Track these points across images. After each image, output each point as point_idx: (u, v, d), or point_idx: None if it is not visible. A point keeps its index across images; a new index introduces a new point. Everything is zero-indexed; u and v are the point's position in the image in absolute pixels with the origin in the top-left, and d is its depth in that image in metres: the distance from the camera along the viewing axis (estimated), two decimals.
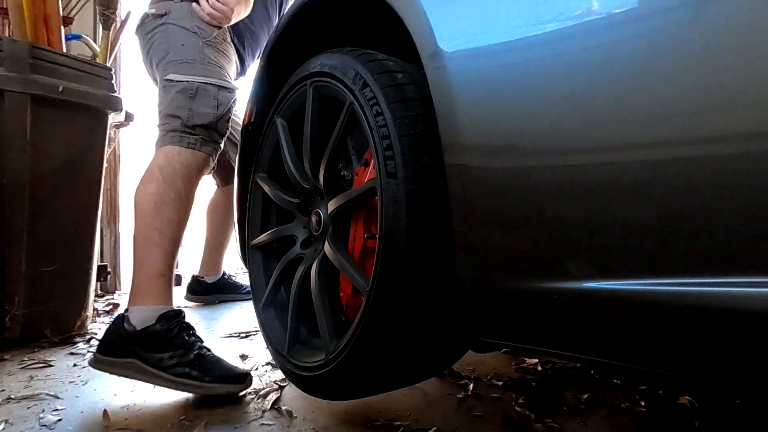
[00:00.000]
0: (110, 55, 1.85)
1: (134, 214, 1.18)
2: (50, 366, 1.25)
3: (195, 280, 2.13)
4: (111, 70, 1.61)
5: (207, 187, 1.89)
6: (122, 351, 1.06)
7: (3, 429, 0.91)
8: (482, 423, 0.95)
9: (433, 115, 0.71)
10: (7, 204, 1.35)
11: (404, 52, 0.85)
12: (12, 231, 1.36)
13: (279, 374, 1.19)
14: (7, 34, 1.84)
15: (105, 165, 1.61)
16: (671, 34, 0.48)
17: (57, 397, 1.05)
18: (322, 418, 0.95)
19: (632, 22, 0.51)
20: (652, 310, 0.50)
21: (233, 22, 1.42)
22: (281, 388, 1.10)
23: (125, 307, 1.15)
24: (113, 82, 1.59)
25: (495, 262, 0.66)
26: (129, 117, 1.75)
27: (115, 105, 1.56)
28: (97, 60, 1.79)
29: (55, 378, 1.17)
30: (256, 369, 1.25)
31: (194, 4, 1.36)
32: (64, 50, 1.57)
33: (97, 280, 1.78)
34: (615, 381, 1.19)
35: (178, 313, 1.13)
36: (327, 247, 0.90)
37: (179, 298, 1.85)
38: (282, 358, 0.98)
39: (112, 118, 1.60)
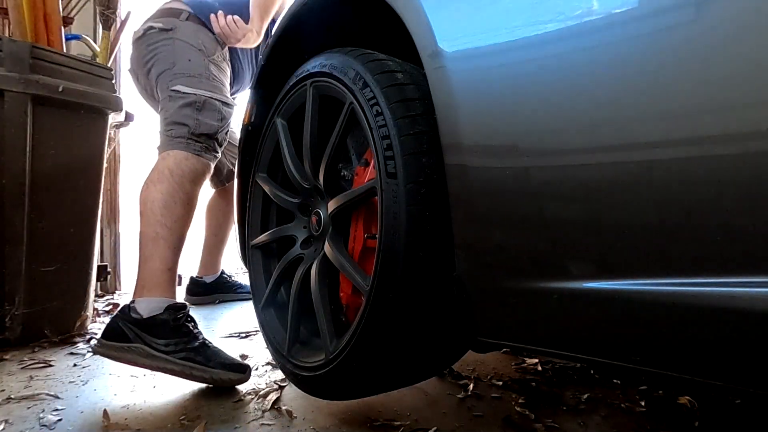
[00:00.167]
0: (110, 55, 1.85)
1: (142, 212, 1.24)
2: (50, 366, 1.25)
3: (193, 281, 2.14)
4: (111, 70, 1.61)
5: (206, 189, 1.92)
6: (128, 337, 1.10)
7: (3, 429, 0.91)
8: (482, 423, 0.95)
9: (433, 115, 0.71)
10: (7, 204, 1.35)
11: (404, 52, 0.85)
12: (12, 231, 1.36)
13: (279, 374, 1.19)
14: (7, 34, 1.84)
15: (105, 165, 1.61)
16: (671, 34, 0.48)
17: (57, 397, 1.05)
18: (322, 418, 0.95)
19: (632, 22, 0.51)
20: (652, 310, 0.50)
21: (238, 45, 1.55)
22: (281, 388, 1.10)
23: (129, 299, 1.18)
24: (113, 82, 1.59)
25: (495, 262, 0.66)
26: (129, 117, 1.75)
27: (115, 105, 1.56)
28: (97, 60, 1.79)
29: (55, 378, 1.17)
30: (256, 369, 1.25)
31: (212, 15, 1.48)
32: (64, 50, 1.57)
33: (97, 280, 1.78)
34: (615, 381, 1.19)
35: (184, 306, 1.18)
36: (327, 247, 0.90)
37: (179, 299, 1.84)
38: (282, 358, 0.98)
39: (112, 118, 1.60)
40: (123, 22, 1.98)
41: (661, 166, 0.48)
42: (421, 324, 0.76)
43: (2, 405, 1.01)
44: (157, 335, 1.10)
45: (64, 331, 1.48)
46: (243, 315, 1.92)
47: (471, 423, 0.95)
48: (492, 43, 0.64)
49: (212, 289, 2.15)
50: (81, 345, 1.43)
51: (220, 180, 2.05)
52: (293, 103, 1.05)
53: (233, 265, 2.75)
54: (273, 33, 1.17)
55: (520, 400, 1.05)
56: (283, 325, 1.04)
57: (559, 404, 1.05)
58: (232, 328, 1.68)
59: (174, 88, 1.36)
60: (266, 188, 1.14)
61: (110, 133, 1.65)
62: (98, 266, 1.72)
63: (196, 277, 2.15)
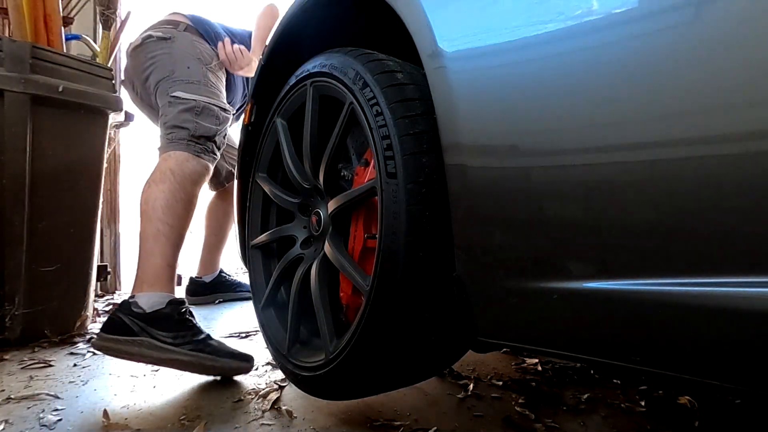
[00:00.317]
0: (110, 55, 1.85)
1: (144, 210, 1.27)
2: (50, 366, 1.25)
3: (193, 281, 2.15)
4: (111, 70, 1.62)
5: (205, 191, 1.94)
6: (133, 330, 1.10)
7: (3, 429, 0.91)
8: (482, 423, 0.95)
9: (433, 115, 0.71)
10: (7, 204, 1.34)
11: (404, 52, 0.85)
12: (12, 231, 1.36)
13: (279, 374, 1.19)
14: (7, 34, 1.84)
15: (105, 165, 1.61)
16: (671, 34, 0.48)
17: (57, 397, 1.05)
18: (322, 418, 0.95)
19: (632, 22, 0.51)
20: (652, 310, 0.50)
21: (240, 73, 1.70)
22: (281, 388, 1.10)
23: (128, 295, 1.21)
24: (113, 82, 1.59)
25: (495, 261, 0.66)
26: (129, 117, 1.75)
27: (115, 105, 1.56)
28: (97, 60, 1.78)
29: (55, 378, 1.17)
30: (256, 369, 1.25)
31: (219, 42, 1.61)
32: (64, 50, 1.57)
33: (97, 280, 1.78)
34: (615, 381, 1.19)
35: (184, 302, 1.22)
36: (327, 247, 0.90)
37: None
38: (282, 358, 0.98)
39: (112, 118, 1.60)
40: (123, 22, 1.97)
41: (661, 166, 0.48)
42: (421, 324, 0.76)
43: (2, 405, 1.01)
44: (163, 328, 1.11)
45: (64, 331, 1.48)
46: (243, 315, 1.92)
47: (471, 423, 0.95)
48: (492, 43, 0.64)
49: (212, 289, 2.16)
50: (81, 345, 1.43)
51: (220, 181, 2.07)
52: (293, 103, 1.05)
53: (233, 265, 2.75)
54: (273, 33, 1.17)
55: (520, 400, 1.05)
56: (283, 325, 1.04)
57: (559, 404, 1.05)
58: (232, 328, 1.68)
59: (173, 94, 1.42)
60: (266, 188, 1.14)
61: (110, 133, 1.65)
62: (98, 266, 1.72)
63: (196, 277, 2.16)
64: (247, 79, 1.85)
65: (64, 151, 1.46)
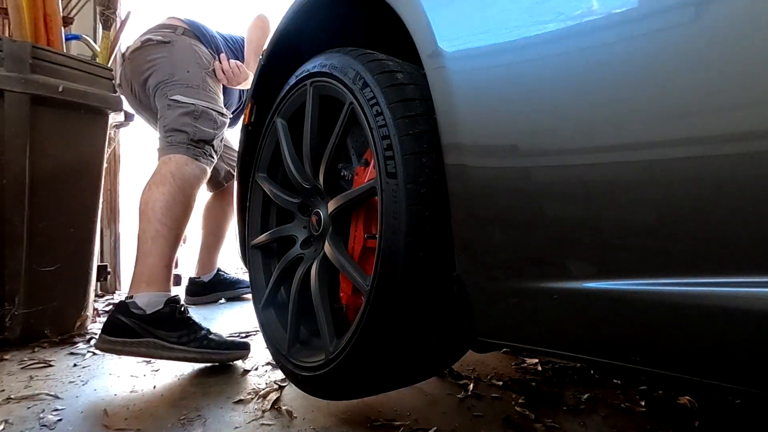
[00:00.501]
0: (110, 55, 1.85)
1: (143, 212, 1.32)
2: (50, 366, 1.25)
3: (192, 281, 2.15)
4: (111, 70, 1.62)
5: (202, 191, 1.96)
6: (135, 332, 1.16)
7: (3, 429, 0.91)
8: (482, 423, 0.95)
9: (433, 115, 0.71)
10: (7, 204, 1.34)
11: (404, 52, 0.85)
12: (12, 231, 1.36)
13: (279, 374, 1.19)
14: (7, 34, 1.84)
15: (105, 165, 1.62)
16: (671, 34, 0.48)
17: (57, 397, 1.05)
18: (322, 418, 0.95)
19: (632, 22, 0.51)
20: (652, 310, 0.50)
21: (236, 87, 1.72)
22: (281, 388, 1.10)
23: (127, 294, 1.25)
24: (113, 82, 1.59)
25: (495, 261, 0.66)
26: (129, 117, 1.75)
27: (115, 105, 1.56)
28: (97, 60, 1.79)
29: (55, 378, 1.17)
30: (256, 369, 1.25)
31: (216, 60, 1.63)
32: (64, 50, 1.57)
33: (97, 280, 1.78)
34: (615, 381, 1.19)
35: (179, 299, 1.27)
36: (327, 247, 0.90)
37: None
38: (282, 358, 0.98)
39: (112, 118, 1.60)
40: (123, 22, 1.97)
41: (661, 166, 0.48)
42: (421, 324, 0.76)
43: (2, 405, 1.01)
44: (166, 328, 1.17)
45: (64, 331, 1.48)
46: (243, 315, 1.92)
47: (471, 423, 0.95)
48: (492, 43, 0.64)
49: (211, 288, 2.16)
50: (81, 345, 1.43)
51: (218, 182, 2.07)
52: (293, 103, 1.05)
53: (233, 265, 2.75)
54: (273, 33, 1.17)
55: (520, 400, 1.05)
56: (283, 325, 1.04)
57: (559, 404, 1.05)
58: (232, 328, 1.68)
59: (173, 97, 1.45)
60: (266, 188, 1.14)
61: (110, 133, 1.66)
62: (98, 266, 1.72)
63: (194, 277, 2.16)
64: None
65: (64, 151, 1.46)
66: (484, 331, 0.69)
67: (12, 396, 1.04)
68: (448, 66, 0.68)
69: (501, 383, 1.15)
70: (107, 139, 1.61)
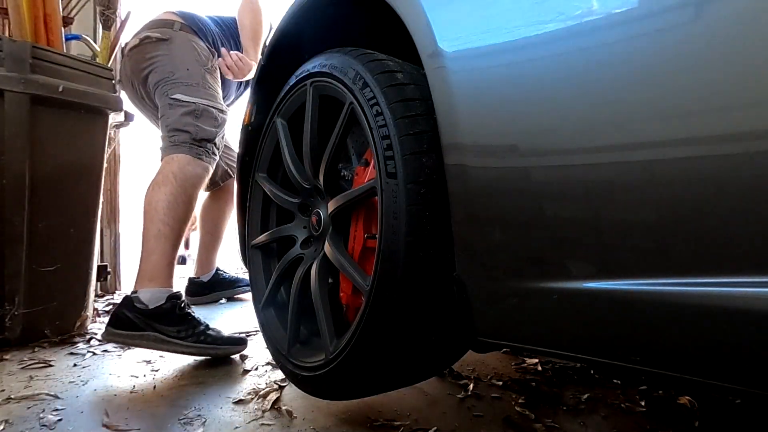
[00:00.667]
0: (110, 55, 1.85)
1: (147, 211, 1.37)
2: (50, 366, 1.25)
3: (191, 282, 2.15)
4: (111, 70, 1.62)
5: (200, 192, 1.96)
6: (138, 326, 1.23)
7: (3, 429, 0.91)
8: (482, 423, 0.95)
9: (433, 115, 0.71)
10: (7, 204, 1.34)
11: (404, 52, 0.85)
12: (12, 231, 1.36)
13: (279, 374, 1.19)
14: (7, 34, 1.84)
15: (105, 165, 1.61)
16: (671, 34, 0.48)
17: (57, 397, 1.05)
18: (322, 418, 0.95)
19: (632, 22, 0.51)
20: (652, 310, 0.50)
21: (241, 79, 1.71)
22: (281, 388, 1.10)
23: (132, 289, 1.31)
24: (113, 82, 1.59)
25: (495, 261, 0.66)
26: (129, 117, 1.75)
27: (115, 105, 1.56)
28: (97, 60, 1.79)
29: (55, 378, 1.17)
30: (256, 369, 1.25)
31: (221, 56, 1.63)
32: (64, 50, 1.57)
33: (97, 280, 1.78)
34: (615, 381, 1.19)
35: (181, 295, 1.32)
36: (327, 247, 0.90)
37: None
38: (282, 358, 0.98)
39: (112, 118, 1.60)
40: (123, 22, 1.97)
41: (661, 166, 0.48)
42: (421, 324, 0.76)
43: (2, 405, 1.01)
44: (166, 323, 1.24)
45: (64, 331, 1.48)
46: (243, 315, 1.92)
47: (471, 423, 0.95)
48: (492, 43, 0.64)
49: (210, 288, 2.16)
50: (81, 345, 1.43)
51: (215, 181, 2.06)
52: (293, 103, 1.05)
53: (233, 265, 2.75)
54: (273, 33, 1.17)
55: (520, 400, 1.05)
56: (283, 325, 1.04)
57: (559, 404, 1.05)
58: (232, 328, 1.68)
59: (174, 96, 1.46)
60: (266, 188, 1.14)
61: (110, 133, 1.66)
62: (98, 266, 1.72)
63: (193, 277, 2.16)
64: None
65: (64, 151, 1.46)
66: (484, 331, 0.69)
67: (12, 396, 1.04)
68: (448, 66, 0.68)
69: (501, 383, 1.15)
70: (107, 139, 1.61)
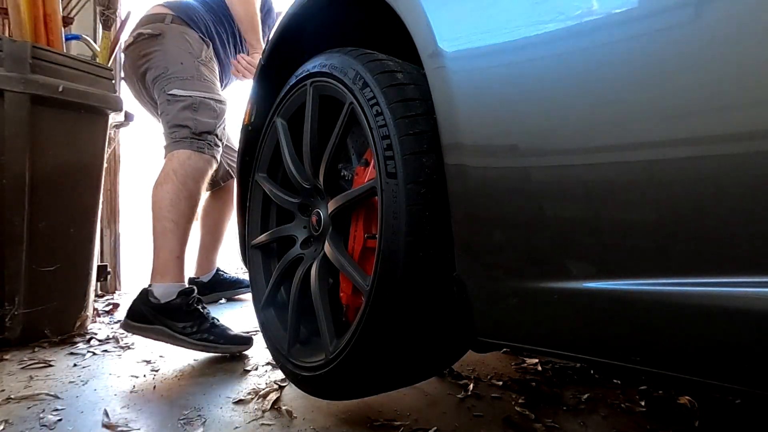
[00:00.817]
0: (110, 55, 1.85)
1: (153, 210, 1.42)
2: (50, 366, 1.25)
3: (191, 282, 2.14)
4: (111, 70, 1.62)
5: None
6: (151, 319, 1.31)
7: (3, 429, 0.91)
8: (482, 423, 0.95)
9: (433, 115, 0.71)
10: (7, 204, 1.34)
11: (404, 52, 0.85)
12: (12, 231, 1.36)
13: (279, 374, 1.19)
14: (7, 34, 1.84)
15: (105, 165, 1.61)
16: (671, 34, 0.48)
17: (57, 397, 1.05)
18: (322, 418, 0.95)
19: (632, 22, 0.51)
20: (652, 310, 0.50)
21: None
22: (281, 388, 1.10)
23: (136, 294, 1.37)
24: (113, 82, 1.59)
25: (495, 261, 0.66)
26: (129, 117, 1.75)
27: (115, 105, 1.56)
28: (97, 60, 1.78)
29: (55, 378, 1.17)
30: (256, 369, 1.25)
31: (232, 61, 1.69)
32: (64, 50, 1.57)
33: (97, 280, 1.78)
34: (615, 381, 1.19)
35: (193, 290, 1.37)
36: (327, 247, 0.90)
37: None
38: (282, 358, 0.98)
39: (112, 118, 1.60)
40: (123, 22, 1.97)
41: (661, 166, 0.48)
42: (421, 324, 0.76)
43: (2, 405, 1.01)
44: (175, 319, 1.30)
45: (64, 331, 1.48)
46: (243, 315, 1.92)
47: (471, 423, 0.95)
48: (492, 43, 0.64)
49: (210, 288, 2.15)
50: (81, 345, 1.43)
51: (215, 180, 2.05)
52: (293, 103, 1.05)
53: (233, 265, 2.75)
54: (272, 33, 1.17)
55: (520, 400, 1.05)
56: (283, 325, 1.04)
57: (559, 404, 1.05)
58: (232, 328, 1.68)
59: (170, 92, 1.48)
60: (266, 188, 1.14)
61: (110, 133, 1.65)
62: (98, 266, 1.72)
63: (194, 277, 2.15)
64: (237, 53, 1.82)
65: (64, 151, 1.46)
66: (484, 331, 0.69)
67: (12, 396, 1.04)
68: (448, 66, 0.68)
69: (501, 383, 1.15)
70: (107, 139, 1.61)
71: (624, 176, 0.51)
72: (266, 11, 1.89)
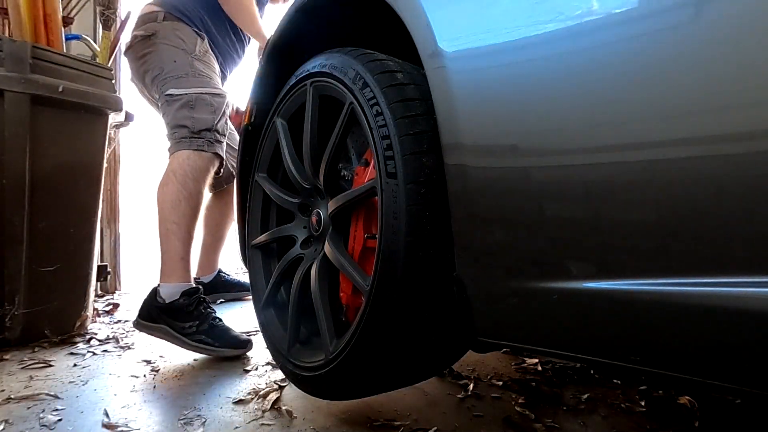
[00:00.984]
0: (110, 55, 1.85)
1: (157, 211, 1.44)
2: (50, 366, 1.25)
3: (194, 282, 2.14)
4: (111, 70, 1.62)
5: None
6: (156, 318, 1.35)
7: (3, 429, 0.91)
8: (482, 423, 0.95)
9: (433, 115, 0.71)
10: (7, 204, 1.34)
11: (404, 52, 0.85)
12: (12, 231, 1.36)
13: (279, 374, 1.19)
14: (7, 34, 1.84)
15: (105, 165, 1.62)
16: (671, 34, 0.48)
17: (57, 397, 1.05)
18: (322, 418, 0.95)
19: (632, 22, 0.51)
20: (652, 310, 0.50)
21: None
22: (281, 388, 1.10)
23: (138, 293, 1.37)
24: (113, 82, 1.59)
25: (495, 261, 0.66)
26: (129, 117, 1.75)
27: (115, 105, 1.56)
28: (97, 60, 1.78)
29: (55, 378, 1.17)
30: (256, 369, 1.25)
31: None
32: (64, 50, 1.57)
33: (97, 280, 1.78)
34: (615, 381, 1.19)
35: (197, 290, 1.40)
36: (327, 247, 0.90)
37: None
38: (282, 358, 0.98)
39: (112, 118, 1.60)
40: (123, 22, 1.97)
41: (661, 166, 0.48)
42: (421, 324, 0.76)
43: (2, 405, 1.01)
44: (176, 319, 1.33)
45: (64, 331, 1.48)
46: (243, 315, 1.91)
47: (471, 423, 0.95)
48: (492, 43, 0.64)
49: (211, 289, 2.15)
50: (81, 345, 1.43)
51: (219, 182, 2.03)
52: (293, 103, 1.05)
53: (233, 265, 2.75)
54: (272, 33, 1.17)
55: (520, 400, 1.05)
56: (283, 325, 1.04)
57: (559, 404, 1.05)
58: (234, 329, 1.68)
59: (167, 92, 1.48)
60: (266, 188, 1.14)
61: (110, 133, 1.65)
62: (98, 266, 1.72)
63: (195, 278, 2.15)
64: (237, 36, 1.78)
65: (64, 151, 1.46)
66: (484, 331, 0.69)
67: (12, 396, 1.04)
68: (448, 66, 0.68)
69: (501, 383, 1.15)
70: (107, 139, 1.61)
71: (624, 176, 0.51)
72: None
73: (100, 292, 2.20)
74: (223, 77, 1.80)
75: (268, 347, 1.08)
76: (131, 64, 1.62)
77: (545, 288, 0.59)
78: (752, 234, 0.43)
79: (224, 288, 2.17)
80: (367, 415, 0.96)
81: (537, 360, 1.30)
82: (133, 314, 1.48)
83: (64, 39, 1.59)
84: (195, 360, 1.31)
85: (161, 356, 1.34)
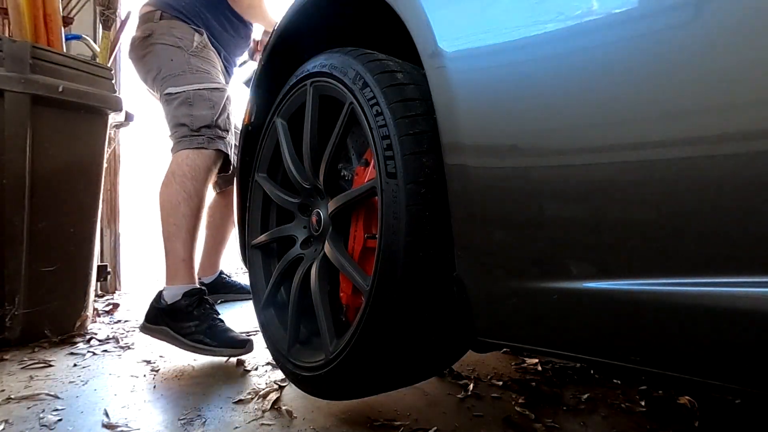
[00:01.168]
0: (110, 55, 1.85)
1: (159, 213, 1.43)
2: (50, 366, 1.25)
3: None
4: (111, 70, 1.62)
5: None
6: (157, 320, 1.35)
7: (3, 429, 0.91)
8: (482, 423, 0.95)
9: (433, 115, 0.71)
10: (7, 204, 1.34)
11: (404, 52, 0.85)
12: (12, 231, 1.36)
13: (279, 374, 1.19)
14: (7, 34, 1.84)
15: (105, 165, 1.61)
16: (671, 34, 0.48)
17: (57, 397, 1.05)
18: (322, 418, 0.95)
19: (632, 22, 0.51)
20: (652, 310, 0.50)
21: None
22: (281, 388, 1.10)
23: (136, 300, 1.39)
24: (113, 82, 1.59)
25: (495, 261, 0.66)
26: (129, 117, 1.75)
27: (115, 105, 1.56)
28: (97, 60, 1.78)
29: (55, 378, 1.17)
30: (256, 369, 1.25)
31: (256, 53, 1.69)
32: (64, 50, 1.57)
33: (97, 280, 1.78)
34: (615, 381, 1.19)
35: (200, 290, 1.39)
36: (327, 247, 0.90)
37: None
38: (282, 358, 0.98)
39: (112, 118, 1.60)
40: (123, 22, 1.97)
41: (661, 166, 0.48)
42: (421, 324, 0.76)
43: (2, 405, 1.01)
44: (176, 319, 1.32)
45: (64, 331, 1.48)
46: (243, 315, 1.92)
47: (471, 423, 0.95)
48: (492, 43, 0.64)
49: (212, 290, 2.14)
50: (81, 345, 1.43)
51: (225, 181, 1.99)
52: (293, 103, 1.05)
53: (233, 265, 2.75)
54: (272, 33, 1.17)
55: (520, 400, 1.05)
56: (283, 325, 1.04)
57: (559, 404, 1.05)
58: (232, 328, 1.68)
59: (166, 91, 1.48)
60: (266, 188, 1.14)
61: (110, 133, 1.65)
62: (98, 266, 1.72)
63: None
64: (237, 22, 1.75)
65: (64, 151, 1.46)
66: (484, 331, 0.69)
67: (12, 396, 1.04)
68: (449, 66, 0.68)
69: (501, 383, 1.15)
70: (107, 139, 1.61)
71: (623, 176, 0.51)
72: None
73: (100, 292, 2.20)
74: (229, 66, 1.78)
75: (268, 347, 1.08)
76: (135, 66, 1.63)
77: (545, 288, 0.59)
78: (752, 234, 0.43)
79: (225, 289, 2.17)
80: (367, 415, 0.96)
81: (537, 360, 1.30)
82: (134, 314, 1.48)
83: (64, 39, 1.59)
84: (195, 360, 1.31)
85: (161, 356, 1.34)
